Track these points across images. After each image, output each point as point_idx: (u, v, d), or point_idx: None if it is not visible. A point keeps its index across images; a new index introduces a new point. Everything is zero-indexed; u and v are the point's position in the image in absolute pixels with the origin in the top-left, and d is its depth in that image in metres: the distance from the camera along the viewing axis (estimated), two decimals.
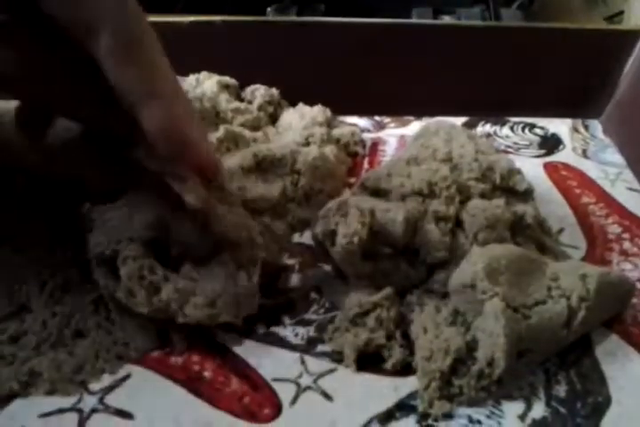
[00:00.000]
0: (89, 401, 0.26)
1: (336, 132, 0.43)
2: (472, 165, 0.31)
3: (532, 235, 0.31)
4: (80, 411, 0.26)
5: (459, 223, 0.30)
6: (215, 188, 0.28)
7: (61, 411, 0.26)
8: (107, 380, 0.27)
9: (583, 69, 0.46)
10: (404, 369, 0.27)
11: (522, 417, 0.25)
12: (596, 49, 0.44)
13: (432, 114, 0.47)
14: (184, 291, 0.27)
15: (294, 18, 0.50)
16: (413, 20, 0.57)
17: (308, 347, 0.28)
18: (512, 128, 0.46)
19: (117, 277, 0.27)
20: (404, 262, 0.29)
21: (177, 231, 0.28)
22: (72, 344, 0.28)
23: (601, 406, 0.26)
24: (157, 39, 0.24)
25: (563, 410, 0.26)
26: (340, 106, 0.45)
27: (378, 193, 0.32)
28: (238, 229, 0.29)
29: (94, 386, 0.27)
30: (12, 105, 0.29)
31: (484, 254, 0.27)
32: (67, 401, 0.26)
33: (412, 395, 0.26)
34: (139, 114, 0.24)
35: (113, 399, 0.26)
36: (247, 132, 0.39)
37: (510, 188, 0.32)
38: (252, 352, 0.28)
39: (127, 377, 0.27)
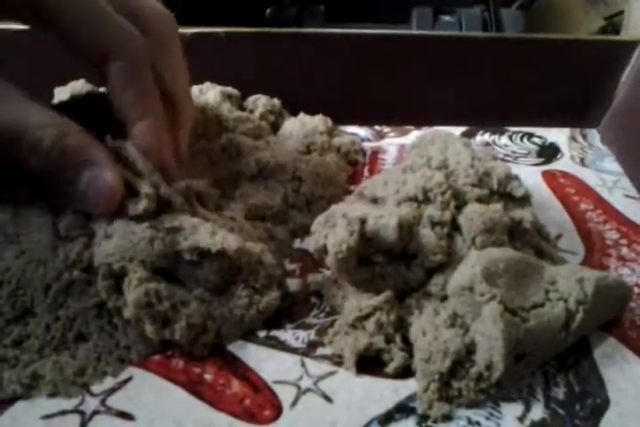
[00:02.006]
0: (91, 403, 0.26)
1: (337, 140, 0.43)
2: (468, 171, 0.32)
3: (529, 240, 0.31)
4: (82, 413, 0.26)
5: (456, 227, 0.30)
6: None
7: (63, 413, 0.26)
8: (109, 382, 0.27)
9: (581, 79, 0.46)
10: (404, 371, 0.27)
11: (521, 419, 0.25)
12: (594, 59, 0.45)
13: (431, 123, 0.47)
14: (195, 326, 0.28)
15: (295, 29, 0.51)
16: (413, 31, 0.58)
17: (309, 350, 0.29)
18: (511, 137, 0.47)
19: (120, 291, 0.27)
20: (402, 266, 0.30)
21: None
22: (74, 347, 0.28)
23: (599, 408, 0.26)
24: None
25: (561, 412, 0.26)
26: (341, 116, 0.46)
27: (375, 201, 0.33)
28: (246, 253, 0.29)
29: (96, 388, 0.27)
30: None
31: (483, 257, 0.27)
32: (69, 403, 0.26)
33: (412, 397, 0.26)
34: (131, 130, 0.29)
35: (115, 401, 0.26)
36: (249, 141, 0.39)
37: (507, 193, 0.32)
38: (252, 355, 0.28)
39: (129, 380, 0.27)
